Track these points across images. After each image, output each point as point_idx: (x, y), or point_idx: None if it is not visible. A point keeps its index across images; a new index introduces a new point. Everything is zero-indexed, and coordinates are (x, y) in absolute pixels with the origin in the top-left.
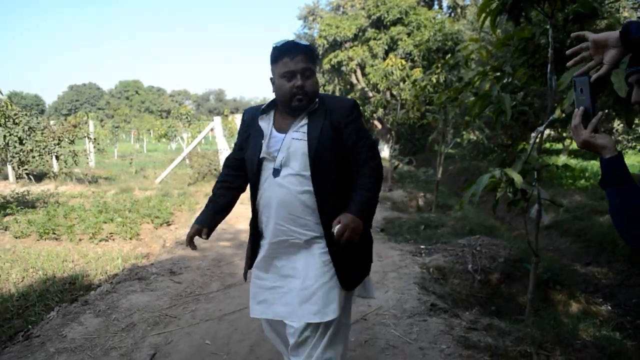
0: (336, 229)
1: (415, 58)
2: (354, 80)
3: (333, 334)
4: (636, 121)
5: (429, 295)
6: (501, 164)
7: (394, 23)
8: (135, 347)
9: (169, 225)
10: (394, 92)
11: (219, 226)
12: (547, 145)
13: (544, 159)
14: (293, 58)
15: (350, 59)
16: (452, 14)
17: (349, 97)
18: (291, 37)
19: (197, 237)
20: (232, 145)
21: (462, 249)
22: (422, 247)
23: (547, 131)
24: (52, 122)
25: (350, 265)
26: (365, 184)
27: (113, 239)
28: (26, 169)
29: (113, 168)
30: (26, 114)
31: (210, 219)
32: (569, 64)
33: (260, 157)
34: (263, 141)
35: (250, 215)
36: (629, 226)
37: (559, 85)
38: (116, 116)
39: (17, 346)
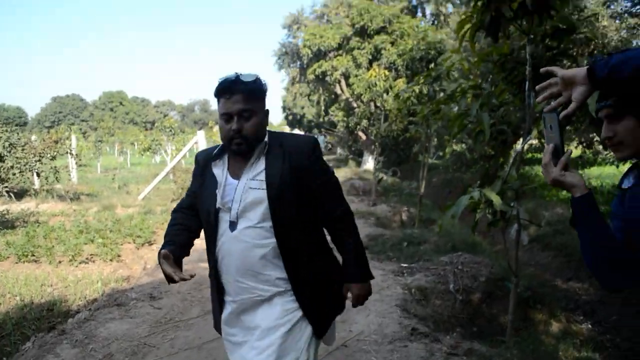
0: (351, 304)
1: (399, 68)
2: (339, 91)
3: None
4: None
5: (410, 319)
6: (484, 176)
7: (378, 32)
8: None
9: (151, 245)
10: (378, 104)
11: (201, 246)
12: (529, 155)
13: (525, 172)
14: (229, 98)
15: (335, 69)
16: (435, 22)
17: (333, 108)
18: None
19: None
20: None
21: (444, 267)
22: (405, 265)
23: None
24: (33, 137)
25: (322, 310)
26: (350, 243)
27: (93, 261)
28: (6, 187)
29: (96, 183)
30: (6, 130)
31: (177, 250)
32: (537, 99)
33: (217, 207)
34: (217, 191)
35: None
36: (599, 267)
37: (536, 106)
38: (99, 129)
39: None
